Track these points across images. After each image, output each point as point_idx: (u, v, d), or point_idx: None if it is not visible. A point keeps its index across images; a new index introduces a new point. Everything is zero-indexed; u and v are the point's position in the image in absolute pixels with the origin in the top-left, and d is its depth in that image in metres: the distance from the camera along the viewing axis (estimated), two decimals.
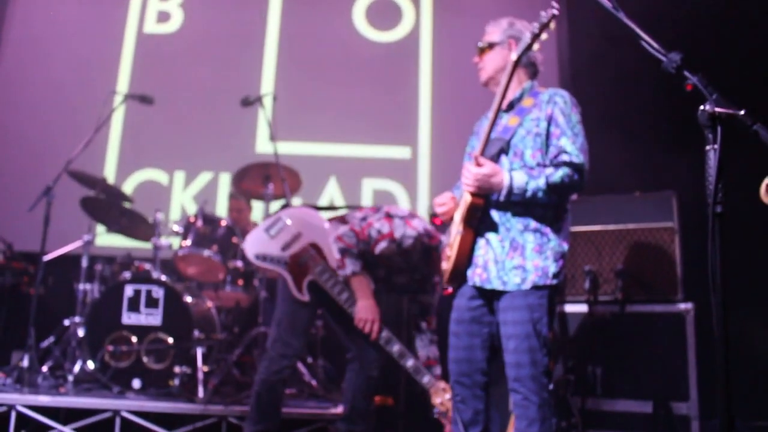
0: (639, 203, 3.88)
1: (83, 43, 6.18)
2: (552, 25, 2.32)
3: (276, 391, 3.23)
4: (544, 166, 2.41)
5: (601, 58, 5.14)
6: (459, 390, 2.49)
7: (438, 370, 3.25)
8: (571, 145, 2.39)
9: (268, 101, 4.98)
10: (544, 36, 2.34)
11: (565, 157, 2.37)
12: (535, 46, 2.38)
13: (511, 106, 2.55)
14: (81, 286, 4.59)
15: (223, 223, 4.71)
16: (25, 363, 4.03)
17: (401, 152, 6.02)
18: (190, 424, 3.64)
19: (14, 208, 4.93)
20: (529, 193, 2.36)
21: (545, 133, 2.44)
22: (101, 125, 4.70)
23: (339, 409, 3.59)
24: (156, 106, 4.93)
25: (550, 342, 2.40)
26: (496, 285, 2.41)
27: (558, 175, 2.36)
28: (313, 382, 4.34)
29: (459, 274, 2.50)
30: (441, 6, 6.37)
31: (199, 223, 4.62)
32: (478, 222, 2.45)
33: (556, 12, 2.33)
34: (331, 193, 5.93)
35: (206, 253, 4.54)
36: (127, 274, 4.40)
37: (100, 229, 4.93)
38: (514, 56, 2.41)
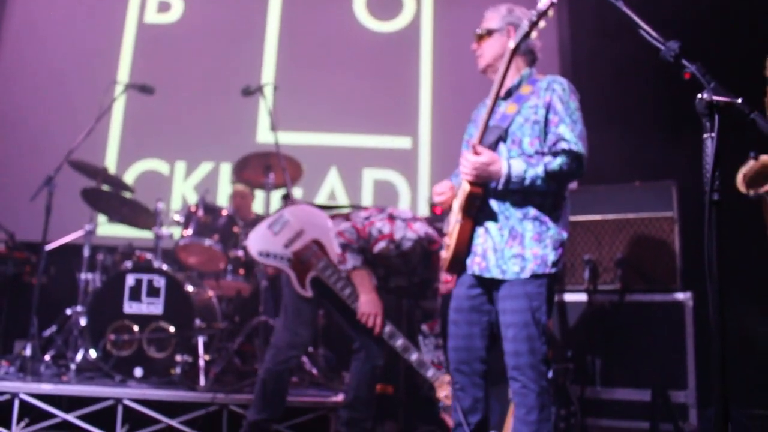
0: (639, 193, 3.89)
1: (84, 33, 6.17)
2: (550, 12, 2.29)
3: (282, 381, 3.25)
4: (543, 153, 2.40)
5: (602, 48, 5.13)
6: (458, 378, 2.50)
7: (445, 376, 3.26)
8: (569, 133, 2.38)
9: (268, 91, 4.98)
10: (542, 24, 2.32)
11: (563, 145, 2.36)
12: (533, 34, 2.36)
13: (509, 94, 2.53)
14: (83, 276, 4.61)
15: (224, 212, 4.72)
16: (28, 352, 4.05)
17: (402, 142, 6.02)
18: (191, 412, 3.66)
19: (16, 198, 4.94)
20: (527, 181, 2.35)
21: (543, 121, 2.43)
22: (102, 115, 4.69)
23: (340, 398, 3.61)
24: (157, 96, 4.93)
25: (549, 330, 2.41)
26: (495, 273, 2.41)
27: (556, 162, 2.35)
28: (314, 371, 4.36)
29: (458, 263, 2.50)
30: None
31: (200, 212, 4.63)
32: (477, 211, 2.45)
33: (554, 0, 2.32)
34: (332, 183, 5.94)
35: (207, 242, 4.55)
36: (128, 264, 4.41)
37: (102, 218, 4.94)
38: (512, 44, 2.39)
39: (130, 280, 4.23)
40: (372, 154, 6.02)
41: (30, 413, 3.69)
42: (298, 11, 6.37)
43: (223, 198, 5.88)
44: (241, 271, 4.84)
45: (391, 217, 3.21)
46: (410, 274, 3.31)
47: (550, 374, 2.49)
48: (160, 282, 4.23)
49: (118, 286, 4.23)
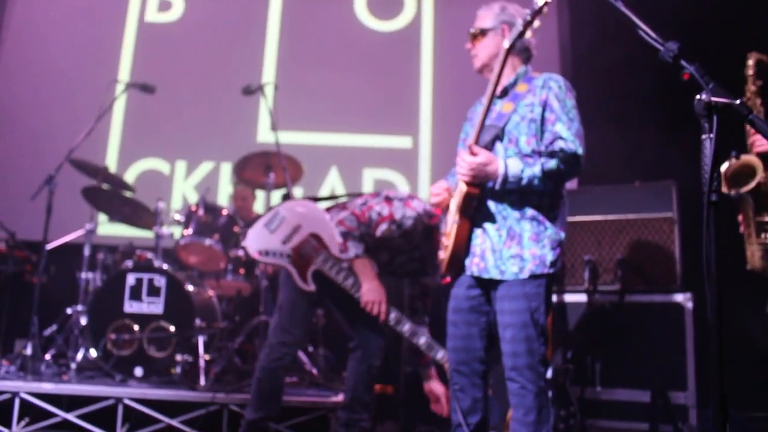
0: (639, 193, 3.89)
1: (85, 32, 6.18)
2: (545, 10, 2.26)
3: (276, 378, 3.25)
4: (540, 152, 2.39)
5: (602, 48, 5.13)
6: (457, 379, 2.48)
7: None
8: (566, 131, 2.36)
9: (269, 90, 4.98)
10: (536, 23, 2.29)
11: (560, 143, 2.35)
12: (528, 33, 2.33)
13: (505, 92, 2.52)
14: (83, 275, 4.62)
15: (225, 212, 4.73)
16: (29, 351, 4.05)
17: (402, 142, 6.03)
18: (191, 411, 3.66)
19: (17, 197, 4.94)
20: (524, 181, 2.34)
21: (540, 119, 2.41)
22: (103, 114, 4.70)
23: (339, 398, 3.61)
24: (157, 95, 4.93)
25: (547, 331, 2.40)
26: (494, 274, 2.40)
27: (554, 161, 2.34)
28: (314, 371, 4.37)
29: (456, 264, 2.50)
30: None
31: (201, 212, 4.64)
32: (475, 211, 2.44)
33: None
34: (332, 182, 5.94)
35: (208, 242, 4.56)
36: (129, 263, 4.42)
37: (102, 218, 4.94)
38: (506, 43, 2.37)
39: (130, 279, 4.24)
40: (372, 153, 6.02)
41: (30, 412, 3.69)
42: (299, 10, 6.37)
43: (223, 197, 5.88)
44: (242, 271, 4.84)
45: (388, 199, 3.23)
46: (412, 250, 3.31)
47: (549, 375, 2.49)
48: (160, 281, 4.23)
49: (118, 285, 4.24)
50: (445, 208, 2.58)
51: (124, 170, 5.91)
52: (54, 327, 4.61)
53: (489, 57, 2.55)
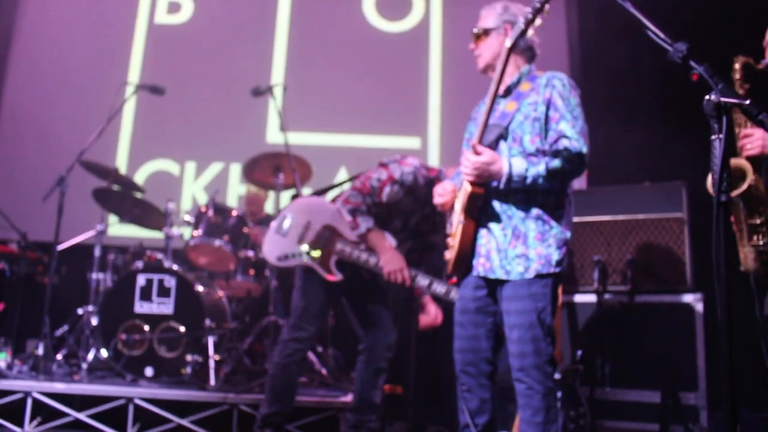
0: (648, 193, 3.88)
1: (95, 35, 6.22)
2: (546, 9, 2.24)
3: (289, 374, 3.27)
4: (544, 151, 2.38)
5: (610, 47, 5.11)
6: (465, 379, 2.48)
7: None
8: (570, 129, 2.35)
9: (278, 91, 5.00)
10: (538, 21, 2.27)
11: (565, 142, 2.33)
12: (530, 32, 2.31)
13: (508, 91, 2.50)
14: (94, 276, 4.65)
15: (234, 212, 4.75)
16: (41, 351, 4.09)
17: (411, 142, 6.03)
18: (201, 411, 3.67)
19: (28, 199, 4.97)
20: (529, 180, 2.33)
21: (544, 118, 2.40)
22: (113, 116, 4.72)
23: (348, 398, 3.62)
24: (167, 97, 4.95)
25: (554, 331, 2.40)
26: (500, 274, 2.39)
27: (558, 160, 2.32)
28: (323, 371, 4.38)
29: (462, 264, 2.49)
30: None
31: (210, 213, 4.66)
32: (479, 211, 2.43)
33: None
34: None
35: (217, 242, 4.57)
36: (139, 264, 4.44)
37: (113, 219, 4.97)
38: (508, 43, 2.35)
39: (140, 280, 4.26)
40: (381, 154, 5.92)
41: (42, 412, 3.72)
42: (308, 12, 6.39)
43: (233, 198, 5.90)
44: (251, 272, 4.86)
45: (383, 164, 3.30)
46: (422, 206, 3.31)
47: (557, 375, 2.47)
48: (170, 282, 4.25)
49: (128, 285, 4.26)
50: (450, 209, 2.58)
51: (135, 171, 5.94)
52: (65, 327, 4.65)
53: (492, 57, 2.54)
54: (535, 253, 2.36)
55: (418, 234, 3.40)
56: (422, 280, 3.11)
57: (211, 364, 4.09)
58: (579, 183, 4.34)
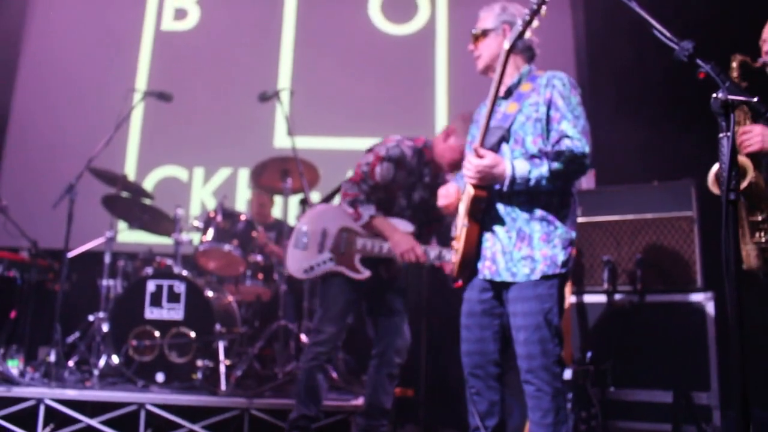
0: (657, 192, 3.86)
1: (102, 42, 6.25)
2: (543, 10, 2.22)
3: (313, 378, 3.28)
4: (546, 152, 2.37)
5: (617, 44, 5.10)
6: (473, 382, 2.47)
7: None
8: (572, 129, 2.34)
9: (285, 96, 5.01)
10: (535, 23, 2.25)
11: (567, 142, 2.32)
12: (528, 33, 2.29)
13: (509, 93, 2.49)
14: (104, 282, 4.67)
15: (243, 217, 4.76)
16: (52, 358, 4.10)
17: None
18: (213, 416, 3.68)
19: (38, 207, 5.00)
20: (532, 182, 2.32)
21: (545, 118, 2.39)
22: (121, 123, 4.75)
23: (360, 401, 3.62)
24: (174, 103, 4.98)
25: (562, 331, 2.39)
26: (506, 277, 2.39)
27: (561, 161, 2.31)
28: (335, 374, 4.37)
29: (468, 267, 2.49)
30: None
31: (219, 218, 4.67)
32: (483, 214, 2.43)
33: None
34: None
35: (226, 247, 4.58)
36: (149, 270, 4.46)
37: (122, 225, 4.99)
38: (507, 44, 2.34)
39: (150, 286, 4.28)
40: None
41: (55, 418, 3.74)
42: (314, 16, 6.40)
43: (241, 203, 5.92)
44: (260, 276, 4.87)
45: (369, 150, 3.38)
46: (420, 178, 3.36)
47: (567, 375, 2.46)
48: (180, 287, 4.27)
49: (139, 292, 4.28)
50: (454, 211, 2.58)
51: (143, 178, 5.97)
52: (76, 334, 4.67)
53: (491, 58, 2.53)
54: (540, 254, 2.36)
55: (425, 207, 3.41)
56: (432, 254, 3.15)
57: (222, 368, 4.10)
58: (587, 183, 4.32)
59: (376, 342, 3.44)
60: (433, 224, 3.48)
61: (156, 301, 4.25)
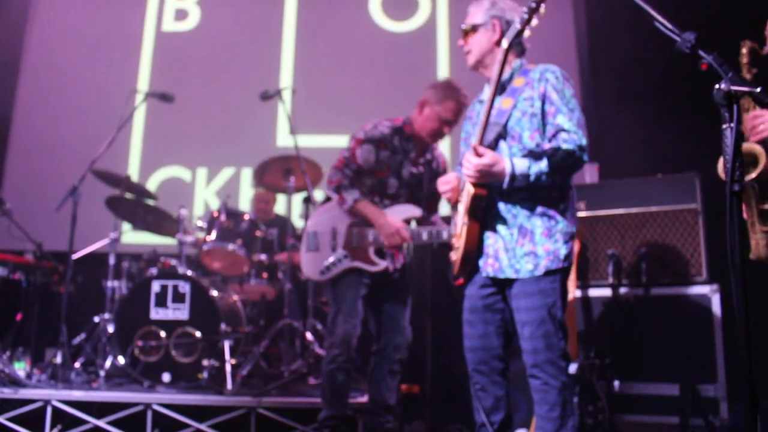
0: (661, 185, 3.85)
1: (103, 44, 6.26)
2: (542, 9, 2.21)
3: (334, 379, 3.27)
4: (543, 149, 2.36)
5: (618, 37, 5.08)
6: (478, 378, 2.47)
7: None
8: (568, 122, 2.34)
9: (287, 95, 5.01)
10: (534, 22, 2.24)
11: (564, 136, 2.33)
12: (527, 32, 2.28)
13: (503, 88, 2.48)
14: (109, 283, 4.68)
15: (246, 216, 4.76)
16: (59, 359, 4.12)
17: None
18: (219, 415, 3.68)
19: (42, 209, 5.01)
20: (532, 178, 2.32)
21: (541, 113, 2.39)
22: (123, 124, 4.75)
23: (365, 398, 3.62)
24: (176, 104, 4.97)
25: (566, 325, 2.39)
26: (509, 274, 2.39)
27: (559, 155, 2.31)
28: None
29: (469, 265, 2.48)
30: None
31: (223, 217, 4.68)
32: (483, 211, 2.42)
33: None
34: None
35: (231, 246, 4.59)
36: (153, 270, 4.47)
37: (126, 226, 5.00)
38: (505, 43, 2.33)
39: (155, 286, 4.28)
40: None
41: (62, 419, 3.74)
42: (314, 14, 6.39)
43: (244, 203, 5.92)
44: (265, 275, 4.87)
45: (350, 139, 3.42)
46: (405, 154, 3.38)
47: (573, 369, 2.45)
48: (185, 287, 4.27)
49: (144, 292, 4.28)
50: (454, 205, 2.57)
51: (146, 179, 5.98)
52: (82, 335, 4.68)
53: (481, 53, 2.54)
54: (543, 249, 2.36)
55: (417, 183, 3.41)
56: (425, 235, 3.16)
57: (228, 368, 4.11)
58: (591, 177, 4.31)
59: (376, 338, 3.43)
60: (431, 199, 3.45)
61: (161, 302, 4.26)
